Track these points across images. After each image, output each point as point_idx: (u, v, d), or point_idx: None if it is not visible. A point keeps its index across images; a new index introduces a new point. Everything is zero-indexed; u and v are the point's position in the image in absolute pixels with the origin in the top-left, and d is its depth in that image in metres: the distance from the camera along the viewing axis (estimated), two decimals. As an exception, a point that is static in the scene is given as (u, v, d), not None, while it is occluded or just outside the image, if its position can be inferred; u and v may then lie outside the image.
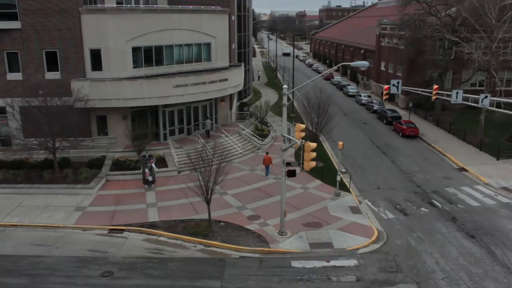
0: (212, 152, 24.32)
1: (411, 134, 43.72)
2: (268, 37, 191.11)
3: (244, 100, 58.09)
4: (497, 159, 36.47)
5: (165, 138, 36.75)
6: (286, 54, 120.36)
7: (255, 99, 61.41)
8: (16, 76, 32.62)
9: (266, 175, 32.63)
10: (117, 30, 32.88)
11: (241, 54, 57.80)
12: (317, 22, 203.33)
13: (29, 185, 29.22)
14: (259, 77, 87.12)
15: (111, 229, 24.51)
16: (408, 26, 51.37)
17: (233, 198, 28.54)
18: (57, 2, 31.52)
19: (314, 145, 22.56)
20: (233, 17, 50.04)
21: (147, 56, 35.02)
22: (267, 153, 34.52)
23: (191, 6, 37.55)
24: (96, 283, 19.61)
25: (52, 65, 32.72)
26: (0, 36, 31.78)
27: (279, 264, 21.27)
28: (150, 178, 29.36)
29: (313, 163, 22.61)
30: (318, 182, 31.46)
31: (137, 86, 33.21)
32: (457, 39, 45.80)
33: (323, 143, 39.58)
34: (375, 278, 20.11)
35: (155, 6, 40.35)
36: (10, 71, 32.76)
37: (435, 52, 49.73)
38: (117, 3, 39.45)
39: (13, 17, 31.57)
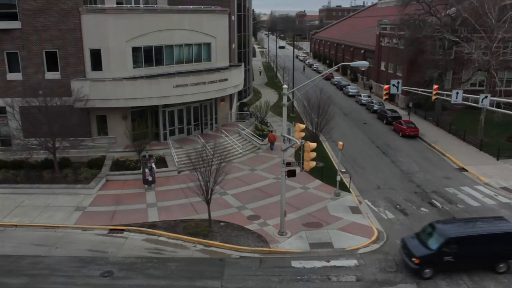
0: (212, 152, 24.32)
1: (411, 134, 43.73)
2: (267, 35, 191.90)
3: (244, 100, 58.09)
4: (497, 159, 36.47)
5: (165, 138, 36.75)
6: (282, 47, 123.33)
7: (255, 99, 61.41)
8: (16, 76, 32.64)
9: (271, 149, 38.44)
10: (117, 30, 32.89)
11: (241, 54, 57.81)
12: (317, 22, 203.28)
13: (29, 185, 29.23)
14: (260, 72, 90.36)
15: (111, 229, 24.52)
16: (408, 26, 51.35)
17: (233, 198, 28.54)
18: (57, 2, 31.54)
19: (314, 145, 22.57)
20: (233, 17, 50.04)
21: (147, 56, 35.03)
22: (271, 131, 41.49)
23: (191, 6, 37.56)
24: (96, 283, 19.62)
25: (52, 65, 32.75)
26: (0, 36, 31.79)
27: (279, 264, 21.27)
28: (150, 178, 29.36)
29: (313, 163, 22.61)
30: (318, 182, 31.46)
31: (137, 86, 33.21)
32: (457, 39, 45.79)
33: (323, 143, 39.58)
34: (375, 278, 20.12)
35: (155, 6, 40.34)
36: (10, 71, 32.78)
37: (435, 52, 49.68)
38: (117, 3, 39.44)
39: (13, 17, 31.58)
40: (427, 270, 19.75)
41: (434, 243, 20.03)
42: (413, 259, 19.88)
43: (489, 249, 19.89)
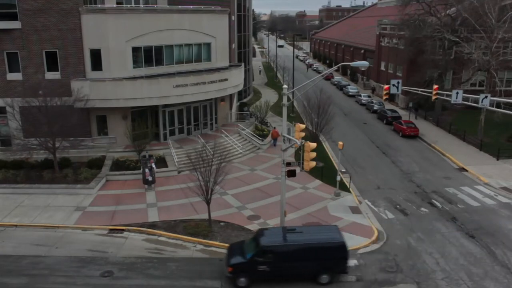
0: (212, 152, 24.31)
1: (411, 134, 43.74)
2: (266, 35, 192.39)
3: (244, 100, 58.09)
4: (497, 159, 36.46)
5: (165, 138, 36.75)
6: (280, 46, 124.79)
7: (255, 99, 61.41)
8: (16, 76, 32.63)
9: (274, 145, 39.21)
10: (117, 30, 32.89)
11: (241, 54, 57.81)
12: (317, 22, 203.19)
13: (29, 185, 29.22)
14: (260, 71, 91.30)
15: (111, 229, 24.51)
16: (408, 26, 51.36)
17: (233, 198, 28.54)
18: (57, 2, 31.54)
19: (314, 145, 22.55)
20: (233, 17, 50.04)
21: (147, 56, 35.02)
22: (274, 127, 41.71)
23: (191, 6, 37.55)
24: (96, 283, 19.62)
25: (52, 65, 32.74)
26: (0, 36, 31.79)
27: (279, 264, 21.24)
28: (150, 178, 29.36)
29: (313, 163, 22.59)
30: (318, 182, 31.45)
31: (137, 86, 33.21)
32: (457, 39, 45.80)
33: (323, 143, 39.58)
34: (375, 278, 20.12)
35: (155, 6, 40.35)
36: (10, 71, 32.77)
37: (435, 52, 49.71)
38: (117, 3, 39.45)
39: (13, 17, 31.57)
40: (242, 279, 19.18)
41: (249, 252, 19.49)
42: (227, 267, 19.44)
43: (309, 260, 19.21)
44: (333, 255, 19.44)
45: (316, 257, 19.28)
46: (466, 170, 34.56)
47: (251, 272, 19.22)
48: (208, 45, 39.10)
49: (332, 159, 36.54)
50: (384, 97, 34.72)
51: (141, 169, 29.61)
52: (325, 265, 19.42)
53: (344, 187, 30.12)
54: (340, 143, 29.08)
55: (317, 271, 19.47)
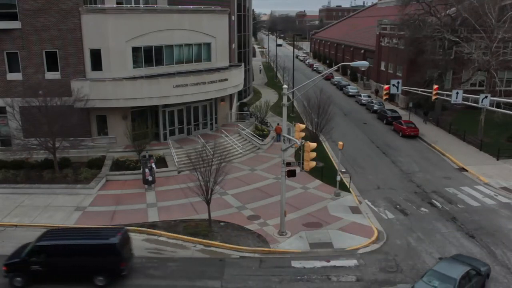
0: (212, 152, 24.31)
1: (411, 134, 43.74)
2: (266, 35, 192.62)
3: (244, 100, 58.09)
4: (497, 159, 36.47)
5: (165, 138, 36.75)
6: (279, 45, 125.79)
7: (255, 99, 61.41)
8: (16, 76, 32.63)
9: (277, 141, 40.36)
10: (117, 30, 32.89)
11: (241, 54, 57.83)
12: (317, 22, 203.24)
13: (29, 185, 29.22)
14: (260, 71, 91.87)
15: (111, 229, 24.49)
16: (408, 26, 51.38)
17: (233, 198, 28.54)
18: (57, 2, 31.54)
19: (314, 145, 22.57)
20: (233, 17, 50.05)
21: (147, 56, 35.03)
22: (278, 124, 42.59)
23: (191, 6, 37.56)
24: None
25: (52, 65, 32.75)
26: (0, 36, 31.79)
27: (279, 264, 21.28)
28: (150, 178, 29.36)
29: (313, 163, 22.61)
30: (318, 182, 31.45)
31: (137, 86, 33.21)
32: (457, 39, 45.81)
33: (323, 143, 39.58)
34: (375, 278, 20.12)
35: (155, 6, 40.35)
36: (10, 71, 32.78)
37: (435, 52, 49.72)
38: (117, 3, 39.45)
39: (13, 17, 31.58)
40: (17, 279, 18.93)
41: (25, 252, 19.15)
42: (3, 266, 19.02)
43: (80, 261, 19.00)
44: (104, 258, 19.12)
45: (86, 259, 19.05)
46: (466, 170, 34.56)
47: (24, 271, 19.00)
48: (208, 45, 39.10)
49: (332, 159, 36.54)
50: (384, 97, 34.73)
51: (141, 169, 29.62)
52: (98, 267, 19.15)
53: (344, 187, 30.12)
54: (340, 143, 29.08)
55: (91, 272, 19.18)
